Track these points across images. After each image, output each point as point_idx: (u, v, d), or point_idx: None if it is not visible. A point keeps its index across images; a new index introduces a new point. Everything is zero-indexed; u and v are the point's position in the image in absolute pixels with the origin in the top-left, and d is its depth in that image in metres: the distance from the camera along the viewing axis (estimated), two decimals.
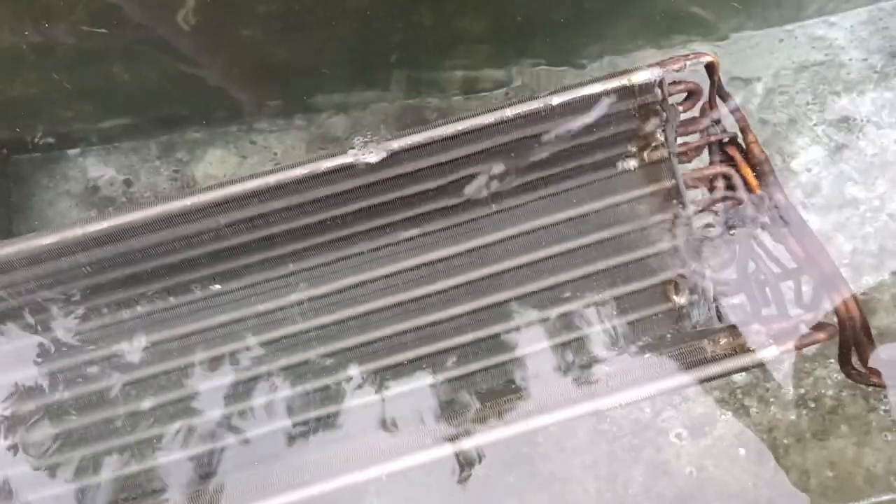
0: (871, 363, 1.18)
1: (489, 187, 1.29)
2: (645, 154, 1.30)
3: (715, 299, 1.30)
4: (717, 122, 1.31)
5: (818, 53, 1.89)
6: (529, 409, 1.18)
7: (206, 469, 1.29)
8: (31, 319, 1.31)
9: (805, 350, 1.64)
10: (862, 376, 1.19)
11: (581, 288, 1.30)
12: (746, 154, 1.30)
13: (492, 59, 1.87)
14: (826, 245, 1.25)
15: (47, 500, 1.29)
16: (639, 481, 1.58)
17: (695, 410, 1.63)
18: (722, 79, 1.30)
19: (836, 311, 1.19)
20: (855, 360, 1.20)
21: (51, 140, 1.84)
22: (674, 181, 1.30)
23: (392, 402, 1.29)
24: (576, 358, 1.28)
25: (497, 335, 1.30)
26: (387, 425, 1.27)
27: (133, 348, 1.32)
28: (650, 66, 1.22)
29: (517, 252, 1.31)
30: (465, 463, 1.53)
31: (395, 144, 1.22)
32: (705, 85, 1.29)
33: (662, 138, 1.28)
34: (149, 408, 1.31)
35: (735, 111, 1.30)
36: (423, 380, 1.29)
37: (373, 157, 1.22)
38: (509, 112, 1.21)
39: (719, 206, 1.33)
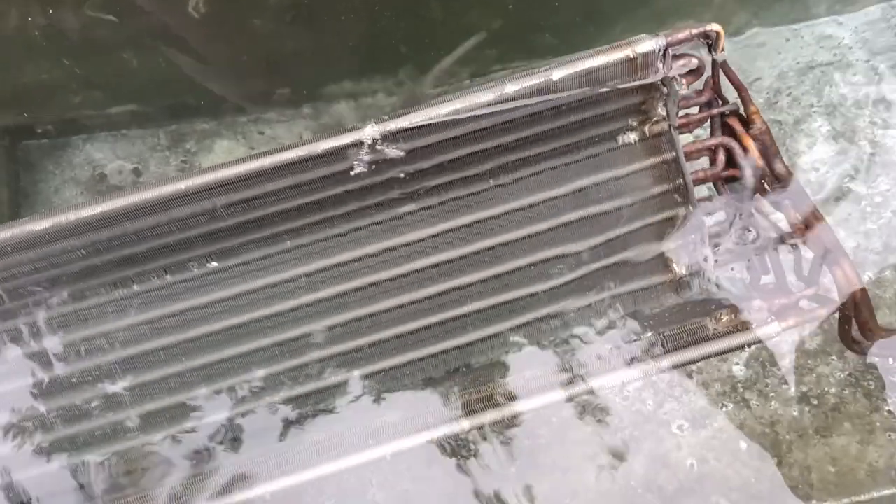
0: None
1: (489, 163, 1.29)
2: (646, 128, 1.29)
3: (714, 269, 1.29)
4: (719, 93, 1.31)
5: (825, 53, 1.89)
6: (527, 385, 1.18)
7: (202, 449, 1.29)
8: (23, 301, 1.30)
9: (806, 345, 1.66)
10: (862, 347, 1.19)
11: (582, 260, 1.29)
12: (748, 124, 1.29)
13: (500, 54, 1.88)
14: None
15: (40, 479, 1.29)
16: (640, 473, 1.58)
17: (696, 403, 1.63)
18: None
19: (836, 282, 1.19)
20: (855, 331, 1.20)
21: (59, 127, 1.85)
22: (674, 154, 1.29)
23: (391, 377, 1.29)
24: (576, 332, 1.27)
25: (496, 307, 1.29)
26: (386, 401, 1.27)
27: (129, 325, 1.31)
28: (653, 36, 1.20)
29: (517, 226, 1.30)
30: (465, 454, 1.53)
31: (394, 124, 1.21)
32: (707, 59, 1.28)
33: (664, 112, 1.27)
34: (145, 384, 1.31)
35: (736, 82, 1.29)
36: (422, 352, 1.29)
37: (371, 137, 1.21)
38: (509, 88, 1.20)
39: (720, 177, 1.32)
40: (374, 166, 1.24)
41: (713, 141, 1.33)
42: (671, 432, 1.60)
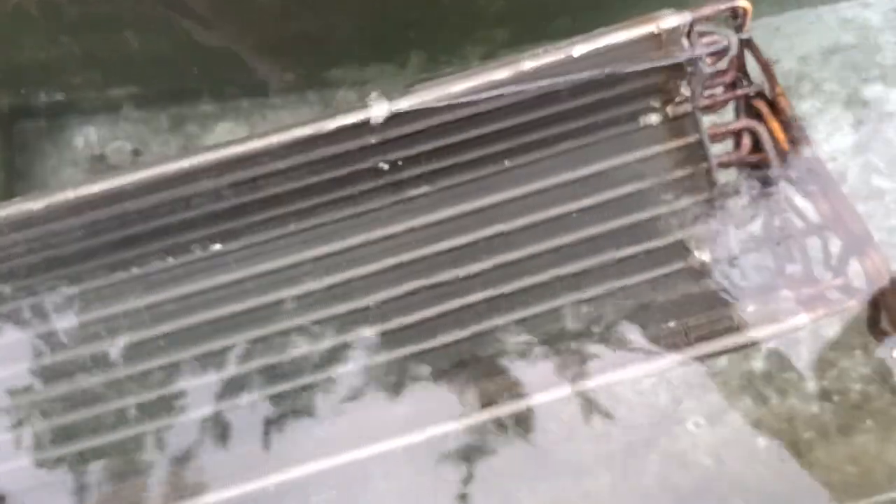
0: None
1: (504, 143, 1.24)
2: (668, 108, 1.24)
3: (738, 257, 1.25)
4: (745, 74, 1.27)
5: (849, 36, 1.84)
6: (540, 377, 1.15)
7: (201, 440, 1.25)
8: (19, 283, 1.26)
9: (828, 337, 1.61)
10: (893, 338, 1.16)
11: (600, 245, 1.25)
12: (773, 107, 1.25)
13: (511, 40, 1.83)
14: None
15: (22, 471, 1.25)
16: (654, 471, 1.54)
17: (712, 398, 1.58)
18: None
19: (865, 272, 1.16)
20: (885, 323, 1.17)
21: (57, 107, 1.80)
22: (698, 136, 1.25)
23: (398, 368, 1.25)
24: (592, 322, 1.23)
25: (510, 294, 1.25)
26: (394, 390, 1.23)
27: (128, 310, 1.27)
28: (678, 11, 1.17)
29: (533, 209, 1.25)
30: (474, 448, 1.49)
31: (405, 102, 1.17)
32: (734, 37, 1.25)
33: (687, 92, 1.23)
34: (145, 371, 1.26)
35: (763, 62, 1.26)
36: (431, 342, 1.24)
37: (381, 114, 1.17)
38: (527, 65, 1.16)
39: (744, 161, 1.28)
40: (384, 145, 1.20)
41: (738, 124, 1.28)
42: (687, 430, 1.56)
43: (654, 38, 1.17)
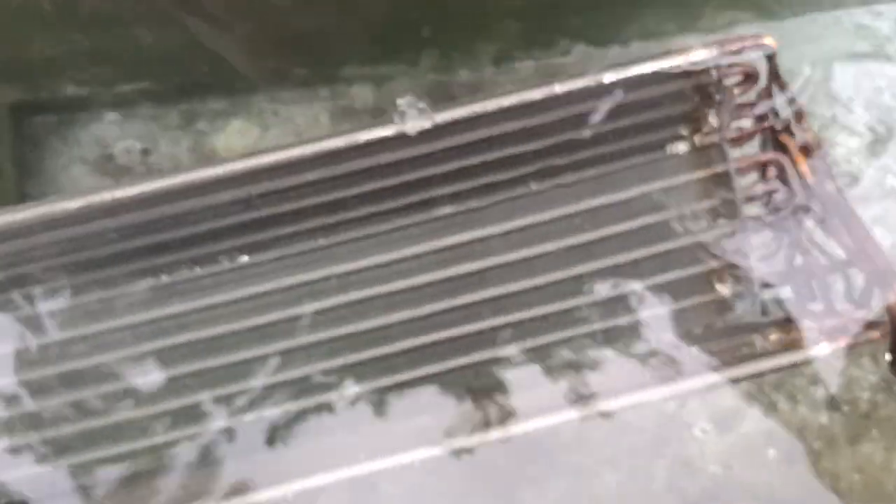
0: None
1: (531, 165, 1.24)
2: (696, 138, 1.25)
3: (760, 291, 1.25)
4: (773, 107, 1.27)
5: (864, 44, 1.83)
6: (573, 396, 1.16)
7: (216, 449, 1.26)
8: (48, 286, 1.27)
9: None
10: None
11: (623, 273, 1.26)
12: (800, 143, 1.25)
13: (523, 38, 1.82)
14: None
15: (38, 477, 1.25)
16: (661, 477, 1.54)
17: (721, 405, 1.58)
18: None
19: (888, 308, 1.16)
20: None
21: (67, 102, 1.78)
22: (724, 167, 1.26)
23: (418, 385, 1.26)
24: (614, 348, 1.23)
25: (534, 319, 1.25)
26: (416, 408, 1.23)
27: (153, 318, 1.27)
28: (707, 45, 1.18)
29: (557, 235, 1.26)
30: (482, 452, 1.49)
31: (439, 117, 1.18)
32: (762, 69, 1.26)
33: (715, 122, 1.24)
34: (167, 379, 1.27)
35: (791, 97, 1.26)
36: (452, 362, 1.25)
37: (413, 130, 1.17)
38: (558, 88, 1.18)
39: (769, 195, 1.28)
40: (412, 161, 1.22)
41: (765, 157, 1.29)
42: (694, 435, 1.56)
43: (683, 69, 1.20)
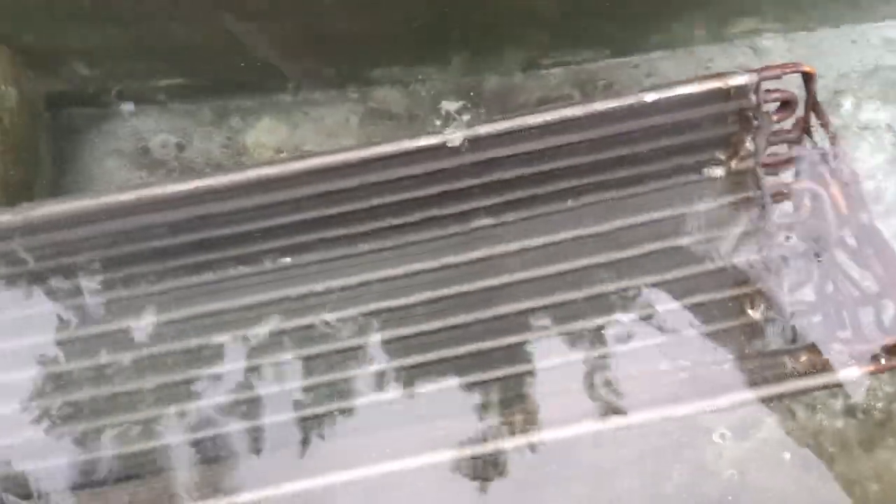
0: None
1: (570, 181, 1.26)
2: (732, 162, 1.27)
3: (790, 318, 1.27)
4: (809, 134, 1.28)
5: (891, 57, 1.84)
6: (606, 410, 1.17)
7: (249, 445, 1.28)
8: (94, 277, 1.29)
9: None
10: None
11: (655, 292, 1.28)
12: (835, 172, 1.27)
13: (554, 43, 1.84)
14: None
15: (60, 467, 1.27)
16: (679, 481, 1.56)
17: (739, 411, 1.60)
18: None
19: None
20: None
21: (104, 96, 1.81)
22: (759, 193, 1.27)
23: (447, 394, 1.28)
24: (643, 366, 1.25)
25: (566, 335, 1.28)
26: (436, 415, 1.25)
27: (195, 315, 1.30)
28: (747, 70, 1.20)
29: (593, 251, 1.28)
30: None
31: (482, 130, 1.20)
32: (801, 97, 1.27)
33: (752, 147, 1.25)
34: (197, 377, 1.30)
35: (828, 126, 1.27)
36: (482, 375, 1.27)
37: (457, 140, 1.19)
38: (599, 106, 1.19)
39: (803, 224, 1.30)
40: (456, 171, 1.24)
41: (799, 185, 1.30)
42: (713, 441, 1.58)
43: (722, 92, 1.20)
